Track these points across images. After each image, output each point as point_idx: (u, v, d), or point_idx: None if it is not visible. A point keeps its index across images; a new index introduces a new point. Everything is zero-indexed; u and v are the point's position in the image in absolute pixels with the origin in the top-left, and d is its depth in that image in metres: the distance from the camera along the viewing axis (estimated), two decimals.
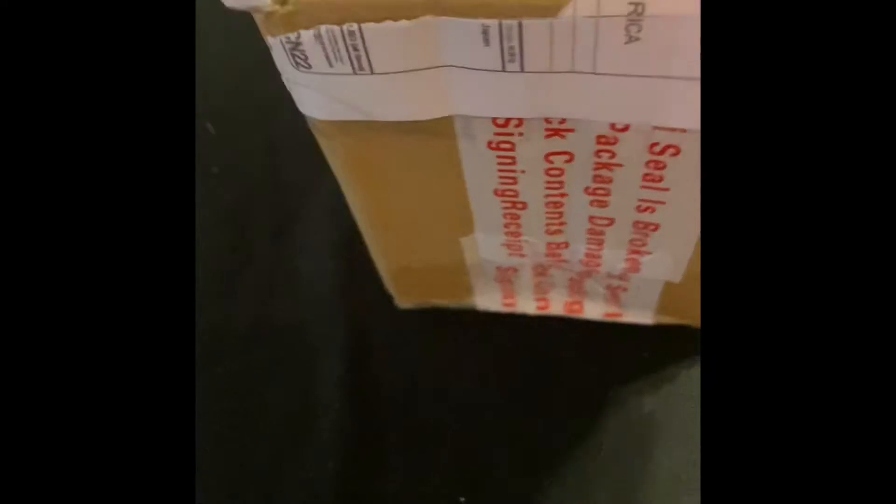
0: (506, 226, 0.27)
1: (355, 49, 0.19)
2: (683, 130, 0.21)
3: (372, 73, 0.20)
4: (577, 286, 0.32)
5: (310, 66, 0.20)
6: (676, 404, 0.34)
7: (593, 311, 0.34)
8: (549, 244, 0.29)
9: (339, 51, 0.19)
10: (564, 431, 0.33)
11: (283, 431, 0.34)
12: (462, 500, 0.32)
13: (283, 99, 0.41)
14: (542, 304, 0.34)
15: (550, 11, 0.18)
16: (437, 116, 0.21)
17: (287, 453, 0.33)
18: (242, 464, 0.33)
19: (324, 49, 0.19)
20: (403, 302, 0.35)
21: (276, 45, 0.19)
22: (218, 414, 0.34)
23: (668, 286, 0.31)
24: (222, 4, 0.18)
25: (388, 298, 0.36)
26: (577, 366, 0.35)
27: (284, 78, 0.21)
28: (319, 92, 0.21)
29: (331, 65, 0.19)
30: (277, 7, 0.18)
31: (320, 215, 0.39)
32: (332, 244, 0.38)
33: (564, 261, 0.30)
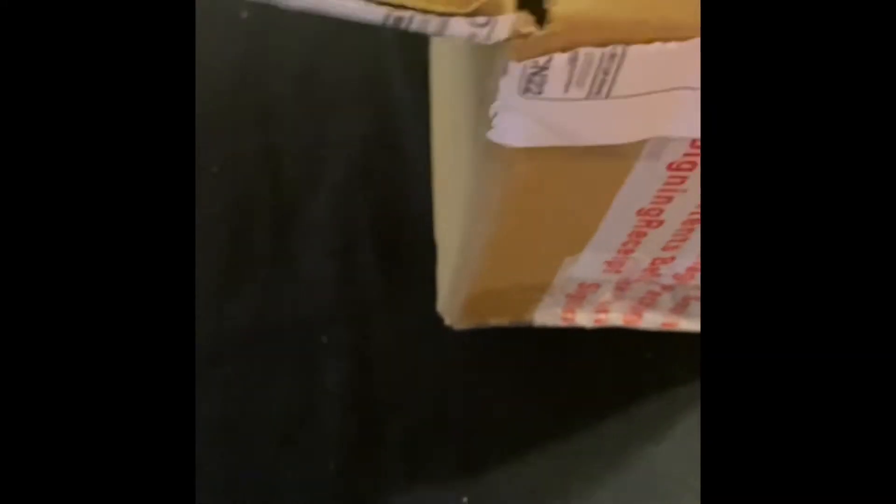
0: (624, 244, 0.27)
1: (605, 73, 0.17)
2: None
3: (606, 97, 0.18)
4: (649, 298, 0.32)
5: (541, 92, 0.18)
6: (678, 405, 0.34)
7: (652, 321, 0.34)
8: (654, 259, 0.28)
9: (586, 75, 0.17)
10: (566, 432, 0.33)
11: (283, 431, 0.33)
12: (465, 500, 0.32)
13: (284, 98, 0.40)
14: (601, 317, 0.34)
15: None
16: (643, 138, 0.20)
17: (287, 453, 0.33)
18: (242, 464, 0.33)
19: (571, 73, 0.17)
20: (461, 324, 0.34)
21: (517, 70, 0.17)
22: (218, 414, 0.34)
23: None
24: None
25: (388, 299, 0.35)
26: (578, 367, 0.35)
27: (498, 104, 0.19)
28: (533, 118, 0.19)
29: (567, 90, 0.18)
30: (535, 30, 0.16)
31: (320, 215, 0.38)
32: (332, 245, 0.37)
33: (658, 275, 0.29)
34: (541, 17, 0.16)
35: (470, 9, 0.16)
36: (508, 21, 0.16)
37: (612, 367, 0.34)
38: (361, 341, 0.35)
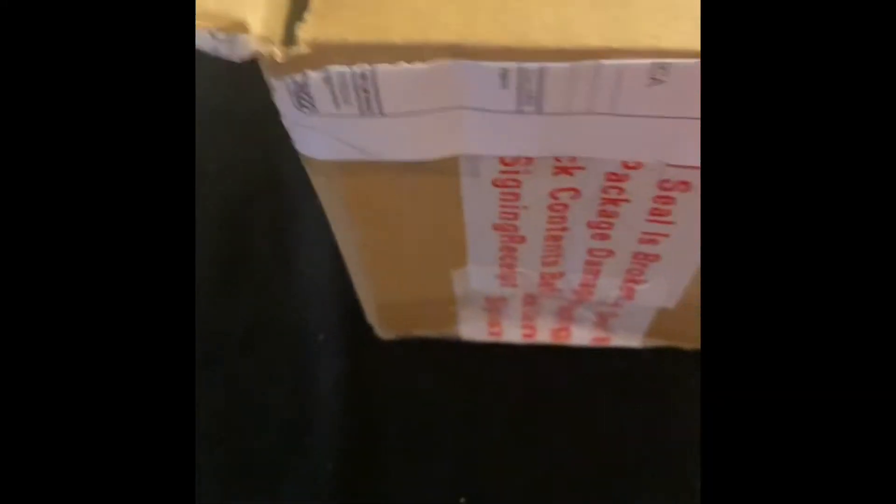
0: (501, 258, 0.27)
1: (365, 91, 0.18)
2: (696, 167, 0.20)
3: (381, 114, 0.19)
4: (566, 313, 0.32)
5: (315, 108, 0.19)
6: (675, 406, 0.34)
7: (581, 336, 0.34)
8: (543, 274, 0.28)
9: (347, 93, 0.18)
10: (563, 433, 0.33)
11: (283, 431, 0.34)
12: (462, 501, 0.32)
13: None
14: (528, 331, 0.34)
15: (573, 55, 0.17)
16: (444, 156, 0.21)
17: (287, 453, 0.33)
18: (242, 464, 0.33)
19: (331, 91, 0.18)
20: (386, 333, 0.34)
21: (280, 87, 0.18)
22: (218, 414, 0.34)
23: (661, 311, 0.30)
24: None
25: None
26: (577, 368, 0.34)
27: (285, 119, 0.20)
28: (323, 133, 0.20)
29: (337, 106, 0.19)
30: (284, 49, 0.17)
31: (320, 215, 0.37)
32: (331, 244, 0.37)
33: (557, 290, 0.29)
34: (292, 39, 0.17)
35: (213, 25, 0.17)
36: (249, 40, 0.17)
37: (609, 368, 0.34)
38: (359, 340, 0.35)
